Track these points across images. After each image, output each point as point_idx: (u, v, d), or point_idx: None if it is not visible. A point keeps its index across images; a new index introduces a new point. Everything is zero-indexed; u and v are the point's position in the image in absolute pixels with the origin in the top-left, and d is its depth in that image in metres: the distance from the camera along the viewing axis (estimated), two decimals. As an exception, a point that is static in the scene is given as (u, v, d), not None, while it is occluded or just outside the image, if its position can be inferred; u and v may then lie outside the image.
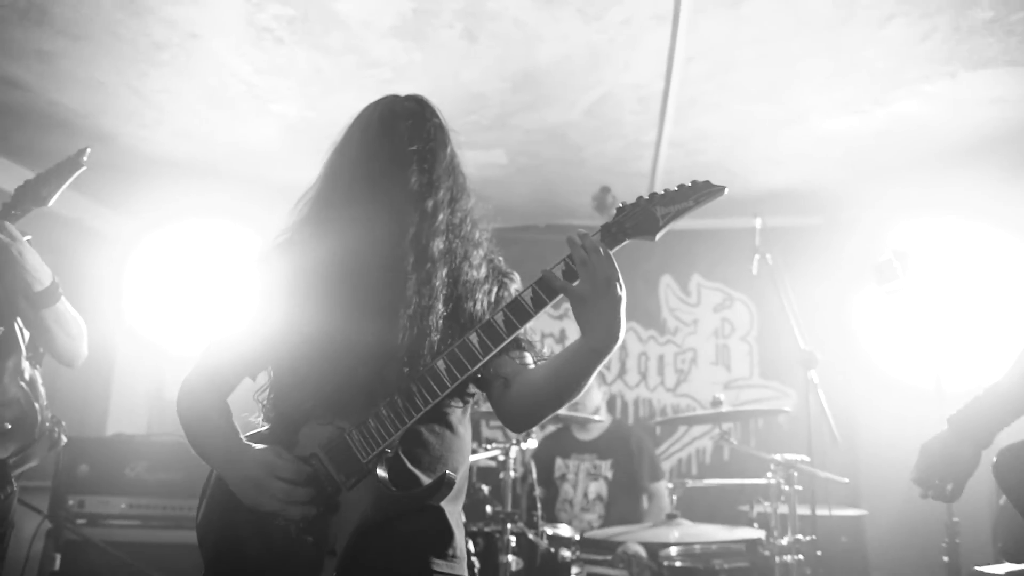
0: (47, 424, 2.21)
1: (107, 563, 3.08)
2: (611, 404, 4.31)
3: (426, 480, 1.38)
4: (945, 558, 2.56)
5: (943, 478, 1.60)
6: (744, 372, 4.40)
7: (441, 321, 1.41)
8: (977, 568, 2.02)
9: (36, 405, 2.18)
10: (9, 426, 2.12)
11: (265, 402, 1.49)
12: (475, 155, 3.68)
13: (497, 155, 3.69)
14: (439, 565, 1.37)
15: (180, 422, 1.47)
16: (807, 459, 2.66)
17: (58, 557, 2.98)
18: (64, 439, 2.34)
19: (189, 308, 4.17)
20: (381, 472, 1.34)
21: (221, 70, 2.96)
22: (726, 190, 1.39)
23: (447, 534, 1.41)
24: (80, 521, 3.18)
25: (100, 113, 3.34)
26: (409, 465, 1.38)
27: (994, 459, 1.59)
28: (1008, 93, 2.96)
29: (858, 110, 3.14)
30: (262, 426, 1.49)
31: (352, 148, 1.52)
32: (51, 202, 2.01)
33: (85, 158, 2.01)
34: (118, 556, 3.05)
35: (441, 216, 1.47)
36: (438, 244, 1.45)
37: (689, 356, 4.47)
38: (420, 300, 1.41)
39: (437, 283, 1.43)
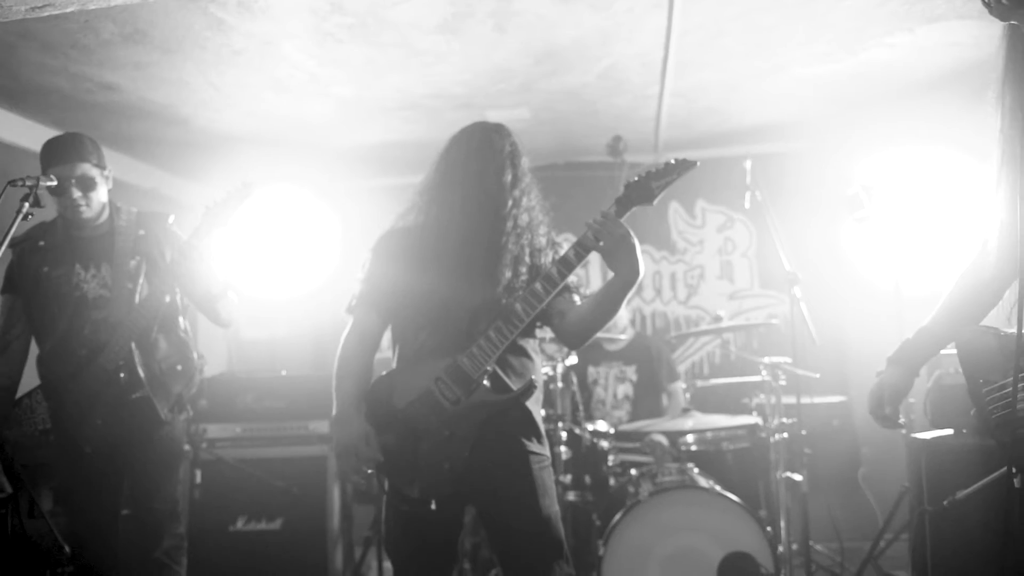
0: (198, 358, 2.92)
1: (234, 476, 3.81)
2: (632, 317, 4.96)
3: (513, 387, 2.03)
4: (903, 431, 3.24)
5: (885, 404, 1.92)
6: (746, 284, 5.03)
7: (524, 270, 2.06)
8: (912, 435, 2.69)
9: (192, 346, 2.89)
10: (180, 367, 2.81)
11: (396, 353, 2.15)
12: (502, 113, 4.21)
13: (521, 112, 4.22)
14: (530, 445, 2.05)
15: (336, 365, 2.13)
16: (789, 360, 3.31)
17: (199, 472, 3.72)
18: (206, 366, 3.10)
19: (259, 258, 4.80)
20: (486, 383, 1.99)
21: (288, 65, 3.49)
22: (698, 163, 2.03)
23: (534, 425, 2.08)
24: (203, 444, 3.91)
25: (180, 104, 3.89)
26: (502, 377, 2.03)
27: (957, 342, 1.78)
28: (961, 39, 3.45)
29: (831, 60, 3.63)
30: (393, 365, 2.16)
31: (460, 153, 2.15)
32: (229, 224, 2.60)
33: (252, 190, 2.59)
34: (243, 469, 3.80)
35: (524, 200, 2.11)
36: (524, 218, 2.10)
37: (697, 272, 5.09)
38: (515, 253, 2.07)
39: (524, 242, 2.09)
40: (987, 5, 1.36)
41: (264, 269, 4.80)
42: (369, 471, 1.98)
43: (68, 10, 2.67)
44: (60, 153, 2.62)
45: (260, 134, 4.32)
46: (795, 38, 3.43)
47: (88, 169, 2.63)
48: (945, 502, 2.45)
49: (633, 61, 3.58)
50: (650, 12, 3.11)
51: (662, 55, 3.51)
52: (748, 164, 3.66)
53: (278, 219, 4.76)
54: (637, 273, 1.97)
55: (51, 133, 4.00)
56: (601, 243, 1.95)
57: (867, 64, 3.70)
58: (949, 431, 2.66)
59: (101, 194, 2.70)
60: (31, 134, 3.94)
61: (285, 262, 4.80)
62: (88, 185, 2.63)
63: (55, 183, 2.44)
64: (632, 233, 1.96)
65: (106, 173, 2.72)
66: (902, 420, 1.97)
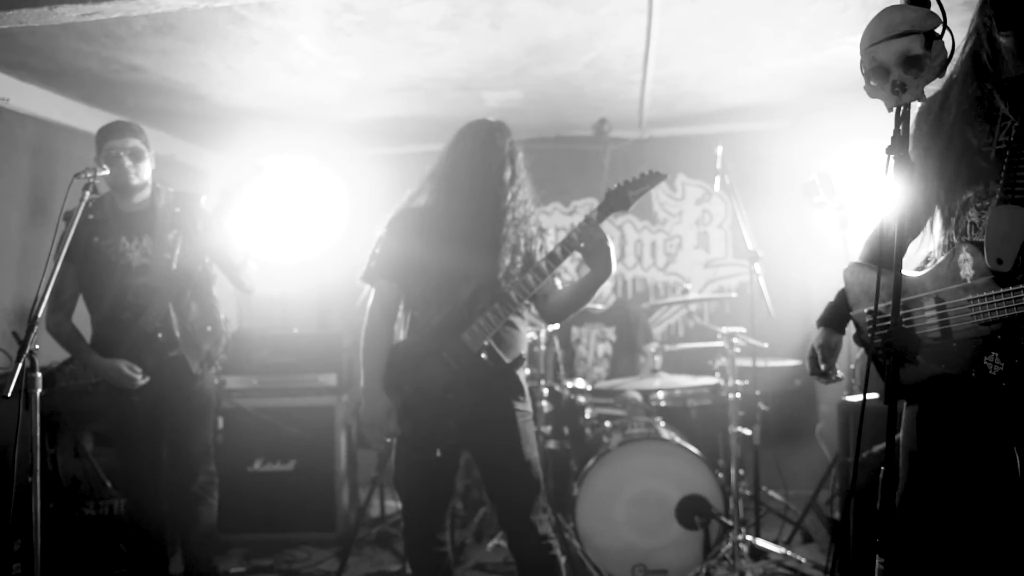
0: (224, 321, 3.33)
1: (252, 423, 4.25)
2: (614, 284, 5.37)
3: (506, 359, 2.45)
4: (847, 393, 3.69)
5: (820, 363, 2.16)
6: (721, 253, 5.42)
7: (520, 257, 2.45)
8: (843, 399, 3.12)
9: (220, 310, 3.30)
10: (209, 328, 3.22)
11: (407, 324, 2.55)
12: (497, 94, 4.55)
13: (514, 93, 4.55)
14: (517, 404, 2.47)
15: (364, 338, 2.52)
16: (743, 330, 3.73)
17: (220, 419, 4.15)
18: (231, 326, 3.50)
19: (271, 223, 5.15)
20: (483, 355, 2.40)
21: (301, 53, 3.81)
22: (667, 175, 2.43)
23: (520, 387, 2.49)
24: (224, 395, 4.33)
25: (199, 83, 4.20)
26: (497, 350, 2.44)
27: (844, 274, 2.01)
28: (914, 40, 3.78)
29: (799, 54, 3.96)
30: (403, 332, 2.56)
31: (467, 148, 2.52)
32: (243, 201, 3.00)
33: (262, 170, 2.96)
34: (260, 417, 4.23)
35: (520, 194, 2.51)
36: (520, 211, 2.50)
37: (676, 242, 5.48)
38: (513, 242, 2.46)
39: (520, 232, 2.49)
40: (866, 87, 1.75)
41: (275, 233, 5.16)
42: (388, 440, 2.41)
43: (114, 16, 2.99)
44: (116, 130, 3.08)
45: (272, 109, 4.65)
46: (765, 37, 3.76)
47: (138, 144, 3.09)
48: (864, 454, 2.90)
49: (618, 54, 3.91)
50: (632, 16, 3.44)
51: (643, 50, 3.84)
52: (719, 150, 4.02)
53: (289, 186, 5.11)
54: (610, 272, 2.39)
55: (80, 108, 4.39)
56: (583, 244, 2.35)
57: (832, 59, 4.04)
58: (875, 395, 3.09)
59: (147, 168, 3.12)
60: (63, 109, 4.27)
61: (295, 226, 5.17)
62: (138, 156, 3.07)
63: (108, 172, 2.80)
64: (608, 238, 2.35)
65: (151, 153, 3.12)
66: (840, 375, 2.17)
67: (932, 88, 1.80)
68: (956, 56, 1.84)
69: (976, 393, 1.72)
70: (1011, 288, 1.59)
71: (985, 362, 1.66)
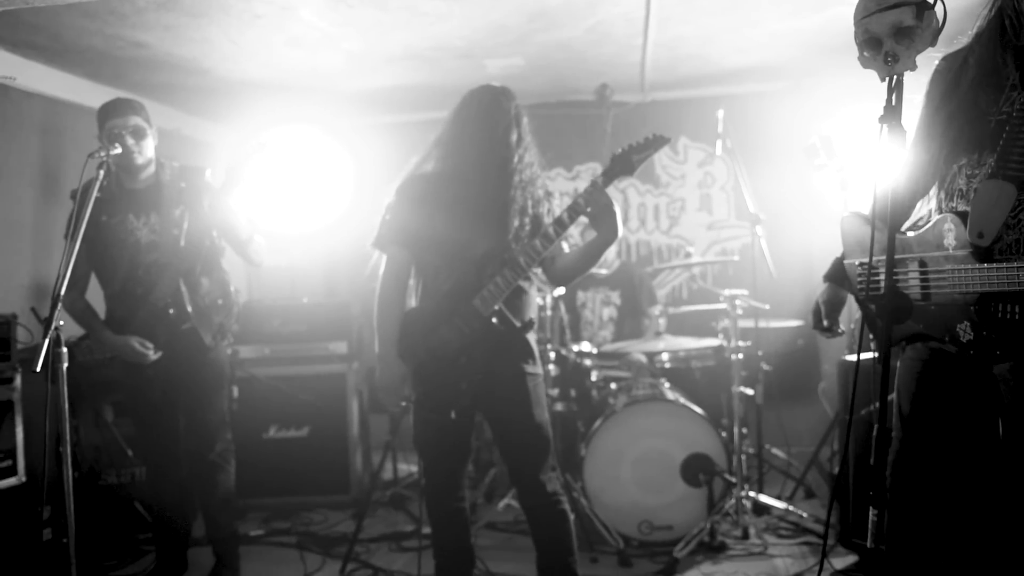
0: (235, 292, 3.39)
1: (265, 391, 4.35)
2: (618, 248, 5.41)
3: (517, 323, 2.51)
4: (847, 352, 3.76)
5: (824, 318, 2.13)
6: (723, 215, 5.47)
7: (527, 220, 2.50)
8: (843, 359, 3.19)
9: (230, 282, 3.36)
10: (220, 301, 3.28)
11: (419, 289, 2.61)
12: (499, 61, 4.56)
13: (516, 60, 4.56)
14: (527, 367, 2.54)
15: (377, 305, 2.58)
16: (745, 292, 3.79)
17: (235, 388, 4.25)
18: (242, 297, 3.56)
19: (278, 193, 5.20)
20: (494, 320, 2.46)
21: (303, 26, 3.83)
22: (671, 139, 2.47)
23: (530, 351, 2.56)
24: (237, 364, 4.42)
25: (203, 57, 4.23)
26: (507, 314, 2.50)
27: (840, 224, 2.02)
28: None
29: (799, 16, 3.97)
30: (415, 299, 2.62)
31: (472, 112, 2.56)
32: (247, 179, 3.04)
33: (264, 148, 3.00)
34: (273, 385, 4.33)
35: (527, 157, 2.55)
36: (527, 173, 2.54)
37: (679, 204, 5.52)
38: (521, 204, 2.50)
39: (527, 194, 2.54)
40: (860, 57, 1.78)
41: (282, 204, 5.21)
42: (403, 404, 2.49)
43: (118, -6, 3.02)
44: (117, 109, 3.07)
45: (275, 81, 4.67)
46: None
47: (139, 122, 3.09)
48: (863, 412, 2.98)
49: (618, 19, 3.92)
50: (631, -20, 3.46)
51: (644, 13, 3.85)
52: (720, 113, 4.04)
53: (294, 157, 5.14)
54: (616, 235, 2.43)
55: (86, 85, 4.42)
56: (589, 209, 2.40)
57: (833, 19, 4.04)
58: (872, 354, 3.16)
59: (150, 145, 3.14)
60: (69, 86, 4.31)
61: (301, 197, 5.21)
62: (140, 134, 3.08)
63: (120, 151, 2.85)
64: (614, 202, 2.40)
65: (153, 130, 3.15)
66: (841, 330, 2.15)
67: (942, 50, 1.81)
68: (983, 13, 1.85)
69: (959, 359, 1.78)
70: (986, 265, 1.64)
71: (957, 329, 1.72)
